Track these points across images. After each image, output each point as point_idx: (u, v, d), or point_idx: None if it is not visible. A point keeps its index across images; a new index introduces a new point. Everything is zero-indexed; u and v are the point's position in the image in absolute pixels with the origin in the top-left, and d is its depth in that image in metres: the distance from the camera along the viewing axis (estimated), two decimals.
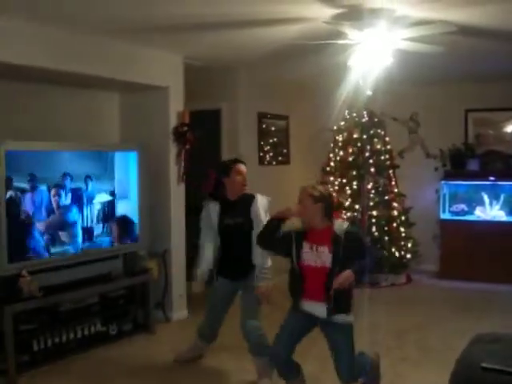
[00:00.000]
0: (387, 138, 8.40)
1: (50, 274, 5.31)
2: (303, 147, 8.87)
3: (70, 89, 6.16)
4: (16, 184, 4.94)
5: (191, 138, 6.37)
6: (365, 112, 8.21)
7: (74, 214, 5.45)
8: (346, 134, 8.39)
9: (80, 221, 5.52)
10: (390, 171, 8.39)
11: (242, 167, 5.02)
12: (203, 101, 7.51)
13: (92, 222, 5.64)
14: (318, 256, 4.09)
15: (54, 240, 5.31)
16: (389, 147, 8.41)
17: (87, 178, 5.55)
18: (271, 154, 8.30)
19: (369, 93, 7.51)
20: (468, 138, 8.85)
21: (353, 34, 4.78)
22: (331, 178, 8.45)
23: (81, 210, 5.52)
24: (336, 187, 8.26)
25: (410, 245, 8.30)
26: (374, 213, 8.05)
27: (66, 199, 5.37)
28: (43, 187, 5.17)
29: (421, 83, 8.47)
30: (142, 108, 6.63)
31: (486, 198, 8.45)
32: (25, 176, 5.01)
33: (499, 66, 7.15)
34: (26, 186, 5.02)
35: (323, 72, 7.29)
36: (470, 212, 8.56)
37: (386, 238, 8.06)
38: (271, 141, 8.30)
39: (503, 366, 3.36)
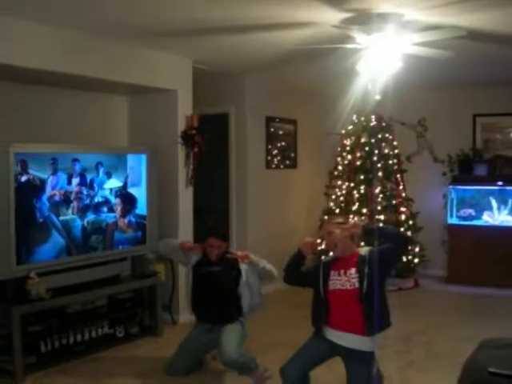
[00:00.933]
0: (395, 143, 8.40)
1: (58, 276, 5.32)
2: (311, 151, 8.88)
3: (80, 92, 6.20)
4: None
5: (200, 141, 6.38)
6: (373, 116, 8.21)
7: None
8: (353, 138, 8.38)
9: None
10: (398, 175, 8.39)
11: (212, 241, 5.02)
12: (211, 105, 7.54)
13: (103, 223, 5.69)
14: (347, 280, 4.10)
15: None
16: (397, 151, 8.41)
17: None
18: (279, 157, 8.32)
19: (377, 97, 7.51)
20: (476, 143, 8.84)
21: (361, 39, 4.79)
22: (339, 182, 8.46)
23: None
24: (343, 191, 8.26)
25: (417, 249, 8.29)
26: (382, 217, 8.04)
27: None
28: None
29: (429, 88, 8.47)
30: (151, 111, 6.65)
31: (493, 202, 8.43)
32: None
33: (508, 70, 7.13)
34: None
35: (331, 76, 7.30)
36: (478, 217, 8.53)
37: None
38: (279, 145, 8.32)
39: (510, 370, 3.35)
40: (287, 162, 8.54)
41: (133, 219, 5.98)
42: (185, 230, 6.50)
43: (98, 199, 5.63)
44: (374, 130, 8.22)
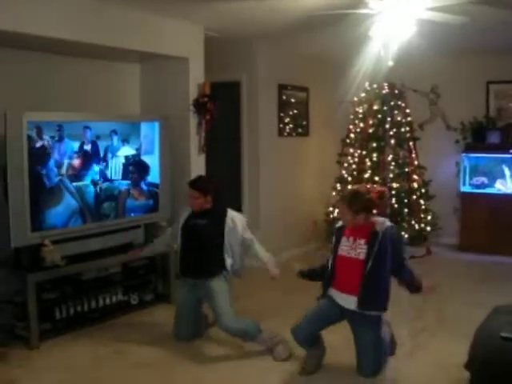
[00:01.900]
0: (408, 110, 8.34)
1: (73, 244, 5.37)
2: (323, 119, 8.85)
3: (91, 60, 6.18)
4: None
5: (212, 109, 6.37)
6: (385, 84, 8.15)
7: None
8: (366, 105, 8.33)
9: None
10: (411, 143, 8.34)
11: (190, 192, 5.09)
12: (223, 73, 7.50)
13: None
14: (353, 248, 4.21)
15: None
16: (409, 119, 8.35)
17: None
18: (291, 125, 8.30)
19: (390, 63, 7.44)
20: (489, 111, 8.76)
21: (374, 4, 4.74)
22: (351, 150, 8.44)
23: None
24: (356, 159, 8.24)
25: (429, 217, 8.29)
26: (394, 185, 8.02)
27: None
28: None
29: (442, 54, 8.37)
30: (163, 79, 6.63)
31: (506, 170, 8.38)
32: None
33: None
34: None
35: (344, 43, 7.22)
36: (491, 185, 8.50)
37: (406, 210, 8.04)
38: (291, 112, 8.29)
39: None
40: (299, 129, 8.52)
41: (145, 187, 6.01)
42: None
43: (110, 166, 5.65)
44: (386, 98, 8.17)
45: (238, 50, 7.61)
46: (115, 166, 5.71)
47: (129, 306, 5.90)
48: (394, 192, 7.99)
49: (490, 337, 3.61)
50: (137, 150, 5.87)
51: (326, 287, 4.39)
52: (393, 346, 4.57)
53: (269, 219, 7.73)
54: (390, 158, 8.06)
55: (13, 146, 4.75)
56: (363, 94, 8.38)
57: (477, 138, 8.65)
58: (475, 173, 8.62)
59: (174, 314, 5.19)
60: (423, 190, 8.32)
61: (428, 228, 8.24)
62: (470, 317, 5.23)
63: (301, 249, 8.30)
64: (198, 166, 6.54)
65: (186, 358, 4.79)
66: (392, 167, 8.08)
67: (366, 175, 8.02)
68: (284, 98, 8.13)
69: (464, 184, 8.64)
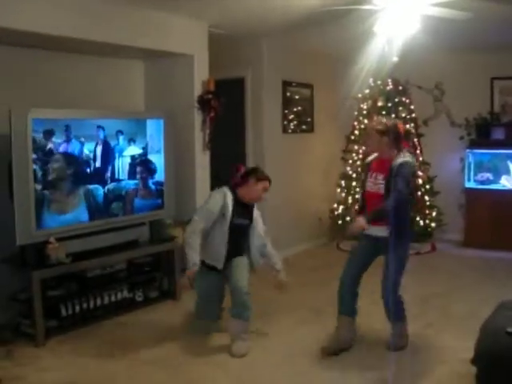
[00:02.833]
0: (412, 106, 8.34)
1: (78, 241, 5.37)
2: (327, 116, 8.84)
3: (96, 57, 6.20)
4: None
5: (216, 106, 6.37)
6: (389, 80, 8.15)
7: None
8: (370, 102, 8.34)
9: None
10: (415, 139, 8.33)
11: (267, 185, 5.05)
12: (227, 69, 7.50)
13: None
14: (374, 183, 4.48)
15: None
16: (413, 115, 8.35)
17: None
18: (295, 122, 8.29)
19: (394, 60, 7.43)
20: (494, 107, 8.74)
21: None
22: (355, 147, 8.44)
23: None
24: (360, 155, 8.24)
25: (434, 213, 8.28)
26: None
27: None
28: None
29: (446, 50, 8.35)
30: (167, 76, 6.64)
31: (511, 166, 8.37)
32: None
33: None
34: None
35: (348, 39, 7.21)
36: (495, 181, 8.49)
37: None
38: (295, 109, 8.28)
39: None
40: (304, 126, 8.51)
41: (153, 186, 6.01)
42: (201, 195, 6.49)
43: (117, 166, 5.66)
44: (390, 94, 8.17)
45: (242, 46, 7.61)
46: (122, 166, 5.70)
47: (134, 303, 5.90)
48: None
49: (495, 332, 3.61)
50: (143, 149, 5.87)
51: None
52: (406, 340, 4.68)
53: (273, 215, 7.72)
54: None
55: (18, 143, 4.75)
56: (367, 91, 8.39)
57: (481, 134, 8.63)
58: (480, 169, 8.61)
59: (197, 294, 5.22)
60: (428, 186, 8.32)
61: (433, 224, 8.24)
62: (475, 312, 5.25)
63: (306, 245, 8.32)
64: (202, 162, 6.55)
65: (192, 354, 4.79)
66: None
67: None
68: (288, 94, 8.12)
69: (469, 180, 8.63)
